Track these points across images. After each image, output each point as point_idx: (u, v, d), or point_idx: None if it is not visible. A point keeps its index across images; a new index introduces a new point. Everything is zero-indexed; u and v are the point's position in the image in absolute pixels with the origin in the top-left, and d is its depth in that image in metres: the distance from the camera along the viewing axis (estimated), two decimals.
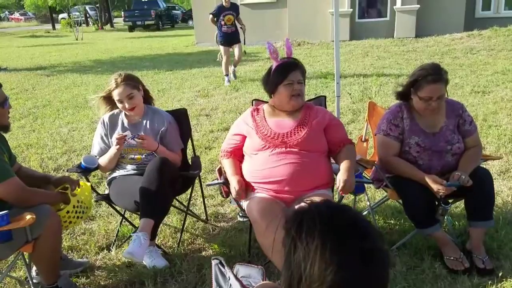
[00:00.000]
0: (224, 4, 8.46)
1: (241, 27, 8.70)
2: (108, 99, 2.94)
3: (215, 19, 8.52)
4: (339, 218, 0.96)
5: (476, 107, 5.75)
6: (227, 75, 8.61)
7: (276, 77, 2.58)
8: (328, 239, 0.91)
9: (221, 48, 8.56)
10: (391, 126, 2.68)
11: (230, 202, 3.49)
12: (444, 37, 12.42)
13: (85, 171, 2.82)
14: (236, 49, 8.67)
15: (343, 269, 0.89)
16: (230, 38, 8.52)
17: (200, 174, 3.35)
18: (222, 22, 8.42)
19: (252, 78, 8.82)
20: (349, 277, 0.89)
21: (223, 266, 1.20)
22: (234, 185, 2.49)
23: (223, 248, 2.92)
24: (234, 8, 8.65)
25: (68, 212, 2.43)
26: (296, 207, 1.03)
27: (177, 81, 9.07)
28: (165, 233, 3.12)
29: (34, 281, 2.48)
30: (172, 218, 3.34)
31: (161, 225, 2.95)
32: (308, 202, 1.02)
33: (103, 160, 2.87)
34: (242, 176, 2.60)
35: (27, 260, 2.39)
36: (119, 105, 2.85)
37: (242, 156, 2.71)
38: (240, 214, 2.61)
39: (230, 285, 1.16)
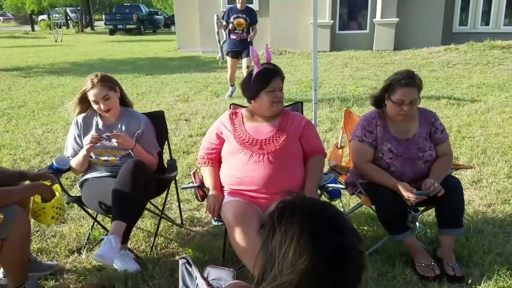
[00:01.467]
0: (237, 5, 7.11)
1: (250, 36, 7.19)
2: (83, 100, 2.88)
3: (226, 23, 7.22)
4: (319, 211, 0.99)
5: (450, 119, 5.87)
6: (232, 85, 7.50)
7: (258, 83, 2.58)
8: (306, 228, 0.93)
9: (228, 59, 7.33)
10: (365, 133, 2.72)
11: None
12: (421, 50, 12.68)
13: (57, 172, 2.75)
14: (243, 63, 7.28)
15: (316, 259, 0.90)
16: (239, 47, 7.18)
17: (177, 178, 3.33)
18: (231, 27, 7.09)
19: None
20: (320, 269, 0.90)
21: (190, 265, 1.19)
22: (210, 203, 2.52)
23: (197, 252, 2.89)
24: (249, 12, 7.20)
25: (53, 207, 2.42)
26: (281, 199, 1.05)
27: (157, 85, 9.01)
28: (138, 237, 3.08)
29: (1, 282, 2.41)
30: (146, 222, 3.29)
31: (134, 229, 2.91)
32: (294, 194, 1.04)
33: (74, 162, 2.81)
34: (221, 189, 2.61)
35: None
36: (95, 106, 2.80)
37: (220, 161, 2.70)
38: (215, 218, 2.59)
39: (197, 284, 1.15)
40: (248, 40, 7.16)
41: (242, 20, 7.08)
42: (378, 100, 2.76)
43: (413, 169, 2.66)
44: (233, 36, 7.18)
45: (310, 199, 1.02)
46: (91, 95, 2.76)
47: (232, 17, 7.09)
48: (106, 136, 2.72)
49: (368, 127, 2.73)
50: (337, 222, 0.96)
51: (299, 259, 0.90)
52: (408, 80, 2.57)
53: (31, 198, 2.46)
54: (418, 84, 2.60)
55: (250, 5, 8.02)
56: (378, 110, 2.78)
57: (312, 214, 0.97)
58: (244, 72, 7.22)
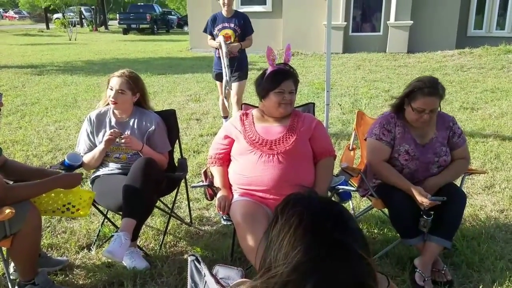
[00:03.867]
0: (223, 12, 5.19)
1: (232, 51, 5.08)
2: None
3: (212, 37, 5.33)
4: (324, 207, 0.96)
5: (464, 123, 5.81)
6: (225, 117, 5.71)
7: (269, 83, 2.57)
8: (304, 219, 0.90)
9: (217, 84, 5.58)
10: (384, 131, 2.67)
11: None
12: (435, 53, 12.58)
13: (69, 168, 2.77)
14: (234, 88, 5.23)
15: (309, 253, 0.85)
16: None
17: (187, 177, 3.33)
18: (217, 43, 5.16)
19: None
20: (313, 264, 0.85)
21: (199, 263, 1.19)
22: (220, 200, 2.51)
23: (206, 251, 2.89)
24: (239, 20, 5.16)
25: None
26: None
27: (169, 85, 9.05)
28: (148, 235, 3.09)
29: (12, 277, 2.43)
30: (156, 220, 3.30)
31: (143, 226, 2.92)
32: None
33: (88, 158, 2.83)
34: (230, 188, 2.60)
35: (4, 255, 2.34)
36: (108, 92, 2.86)
37: (230, 160, 2.70)
38: (224, 218, 2.59)
39: (206, 282, 1.15)
40: (243, 58, 5.28)
41: (229, 31, 5.15)
42: (398, 106, 2.69)
43: (425, 173, 2.63)
44: (218, 53, 5.21)
45: (318, 196, 0.99)
46: (112, 81, 2.84)
47: (216, 28, 5.22)
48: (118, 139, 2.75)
49: (387, 125, 2.67)
50: (340, 219, 0.91)
51: (292, 250, 0.86)
52: (431, 89, 2.49)
53: (61, 195, 2.48)
54: (441, 94, 2.53)
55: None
56: (398, 113, 2.71)
57: (315, 207, 0.93)
58: (233, 100, 5.37)
